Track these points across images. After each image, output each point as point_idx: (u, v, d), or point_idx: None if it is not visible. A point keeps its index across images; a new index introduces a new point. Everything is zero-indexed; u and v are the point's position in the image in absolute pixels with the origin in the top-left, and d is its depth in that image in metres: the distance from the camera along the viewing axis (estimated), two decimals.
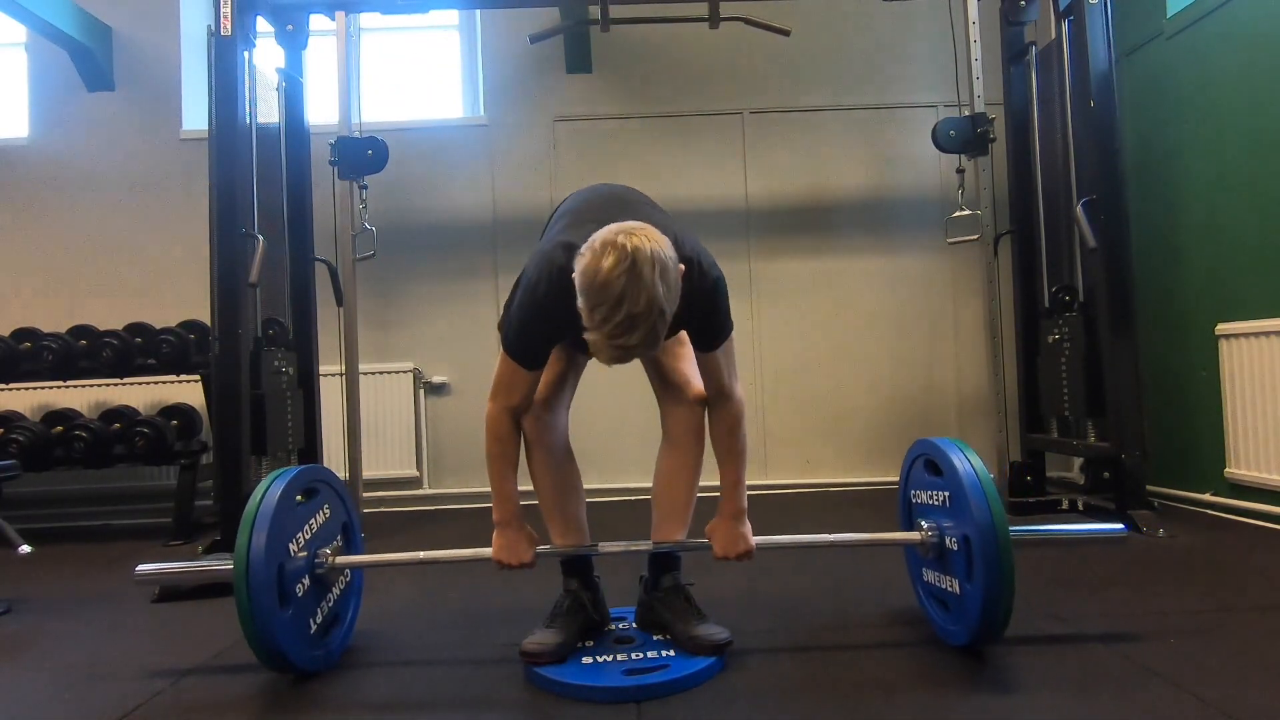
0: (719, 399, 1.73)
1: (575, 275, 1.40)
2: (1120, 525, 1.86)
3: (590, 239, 1.41)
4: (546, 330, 1.61)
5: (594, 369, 1.98)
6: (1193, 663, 1.64)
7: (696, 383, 1.77)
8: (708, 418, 1.78)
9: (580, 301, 1.39)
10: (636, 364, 1.93)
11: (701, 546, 1.81)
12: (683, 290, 1.44)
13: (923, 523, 1.81)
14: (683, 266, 1.44)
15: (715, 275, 1.61)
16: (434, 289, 4.18)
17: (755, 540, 1.78)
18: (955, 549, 1.68)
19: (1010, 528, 1.60)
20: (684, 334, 1.73)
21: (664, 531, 1.86)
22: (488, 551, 1.77)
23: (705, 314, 1.61)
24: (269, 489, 1.72)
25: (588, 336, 1.40)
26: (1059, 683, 1.56)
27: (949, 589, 1.74)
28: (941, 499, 1.74)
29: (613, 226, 1.41)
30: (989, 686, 1.56)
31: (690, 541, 1.85)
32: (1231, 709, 1.41)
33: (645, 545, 1.85)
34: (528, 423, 1.78)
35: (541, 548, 1.80)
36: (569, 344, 1.78)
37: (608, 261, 1.34)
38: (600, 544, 1.85)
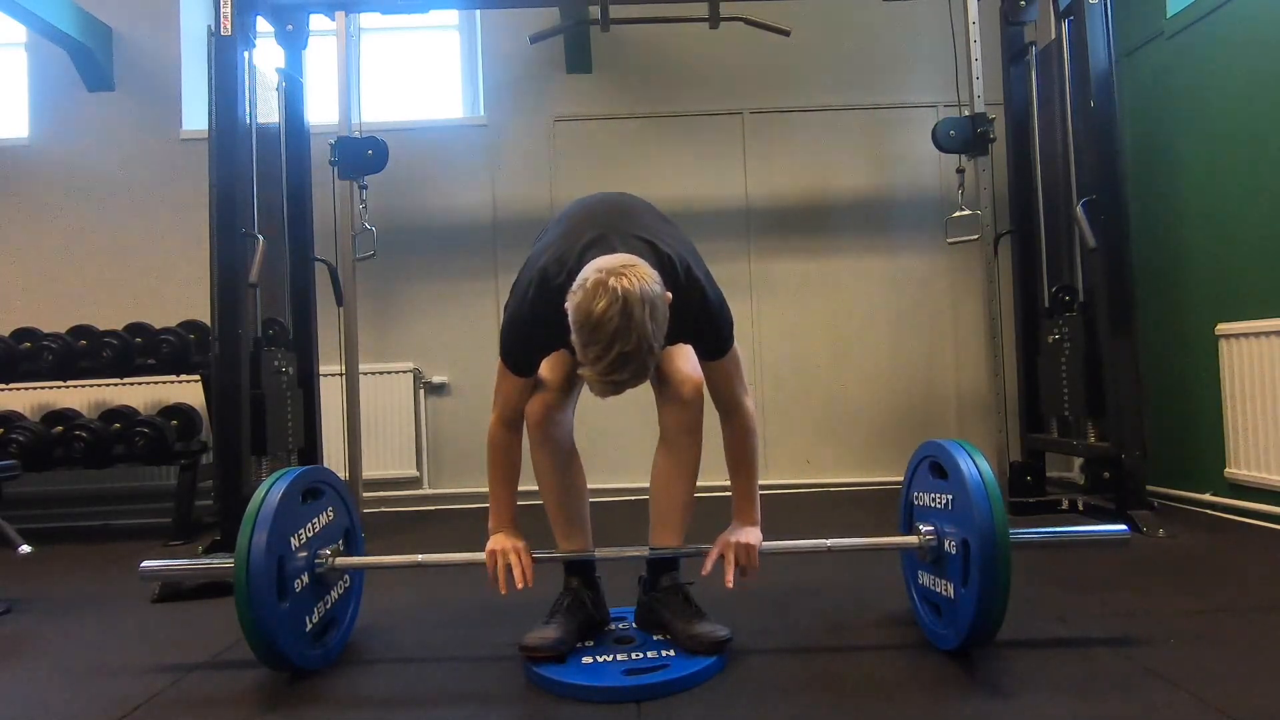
0: (728, 411, 1.76)
1: (569, 310, 1.44)
2: (1123, 527, 1.84)
3: (582, 275, 1.45)
4: (536, 339, 1.66)
5: None
6: (1193, 663, 1.64)
7: (694, 378, 1.77)
8: (721, 430, 1.79)
9: (573, 337, 1.44)
10: None
11: (699, 552, 1.81)
12: (673, 310, 1.50)
13: (921, 526, 1.81)
14: (669, 295, 1.48)
15: (703, 290, 1.64)
16: (434, 289, 4.18)
17: (760, 545, 1.78)
18: (954, 553, 1.67)
19: (1011, 530, 1.59)
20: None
21: (661, 533, 1.86)
22: (484, 557, 1.78)
23: (697, 327, 1.65)
24: (274, 484, 1.73)
25: (581, 372, 1.47)
26: (1059, 683, 1.56)
27: (943, 593, 1.73)
28: (944, 502, 1.73)
29: (603, 264, 1.45)
30: (990, 687, 1.56)
31: (688, 547, 1.85)
32: (1231, 709, 1.41)
33: (642, 550, 1.86)
34: (534, 421, 1.78)
35: (538, 553, 1.80)
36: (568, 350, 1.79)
37: (600, 305, 1.39)
38: (598, 549, 1.86)
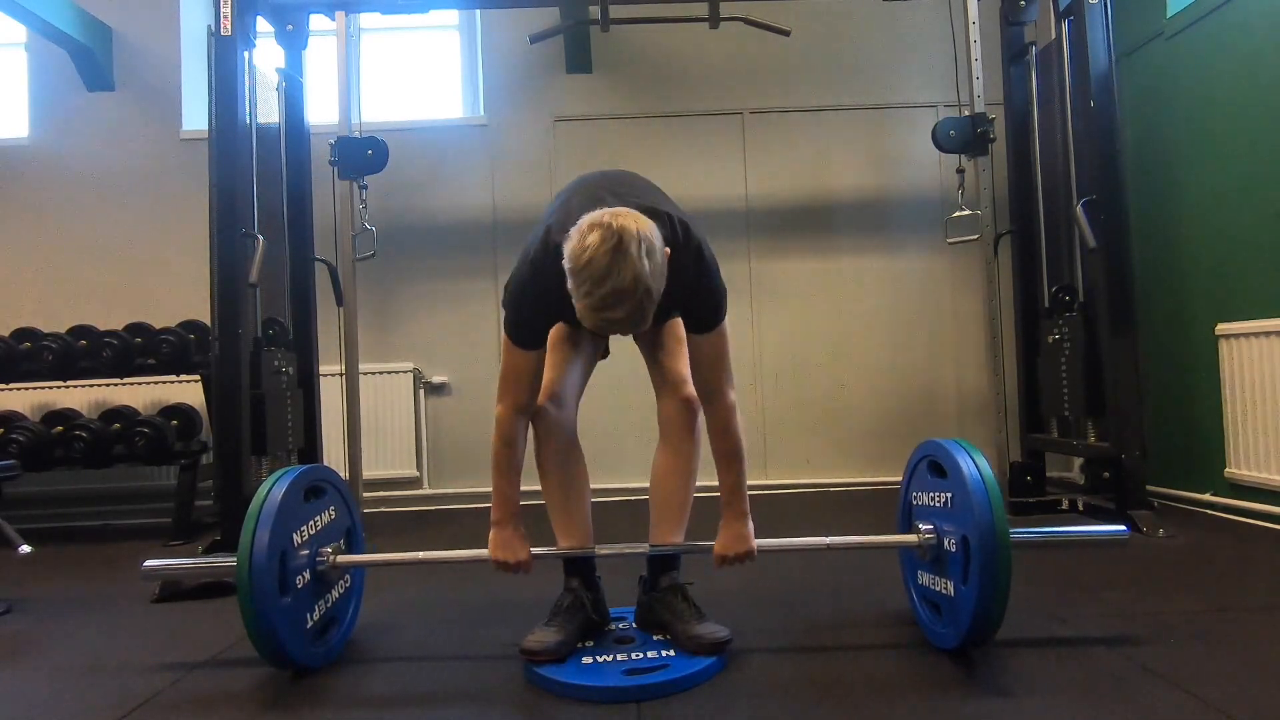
0: (709, 400, 1.73)
1: (564, 257, 1.42)
2: (1122, 527, 1.85)
3: (578, 223, 1.44)
4: (541, 303, 1.62)
5: (600, 369, 1.99)
6: (1192, 663, 1.64)
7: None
8: (705, 421, 1.78)
9: (569, 282, 1.42)
10: (638, 365, 1.95)
11: (699, 549, 1.81)
12: (670, 266, 1.48)
13: (920, 525, 1.81)
14: (668, 250, 1.47)
15: (699, 250, 1.62)
16: (434, 289, 4.18)
17: (755, 543, 1.78)
18: (953, 550, 1.67)
19: (1011, 530, 1.60)
20: (682, 332, 1.74)
21: (661, 531, 1.86)
22: (486, 552, 1.78)
23: (692, 287, 1.62)
24: (278, 481, 1.74)
25: (576, 304, 1.43)
26: (1059, 683, 1.56)
27: (943, 591, 1.73)
28: (943, 500, 1.73)
29: (599, 210, 1.44)
30: (990, 688, 1.56)
31: (688, 544, 1.85)
32: (1231, 709, 1.41)
33: (642, 548, 1.86)
34: (536, 414, 1.78)
35: (538, 550, 1.80)
36: (571, 330, 1.78)
37: (593, 238, 1.38)
38: (598, 546, 1.85)
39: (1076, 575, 2.30)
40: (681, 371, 1.80)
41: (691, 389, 1.78)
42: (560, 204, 1.68)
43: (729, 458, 1.76)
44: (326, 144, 3.44)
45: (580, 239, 1.40)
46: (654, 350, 1.86)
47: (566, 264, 1.41)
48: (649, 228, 1.43)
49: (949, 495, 1.71)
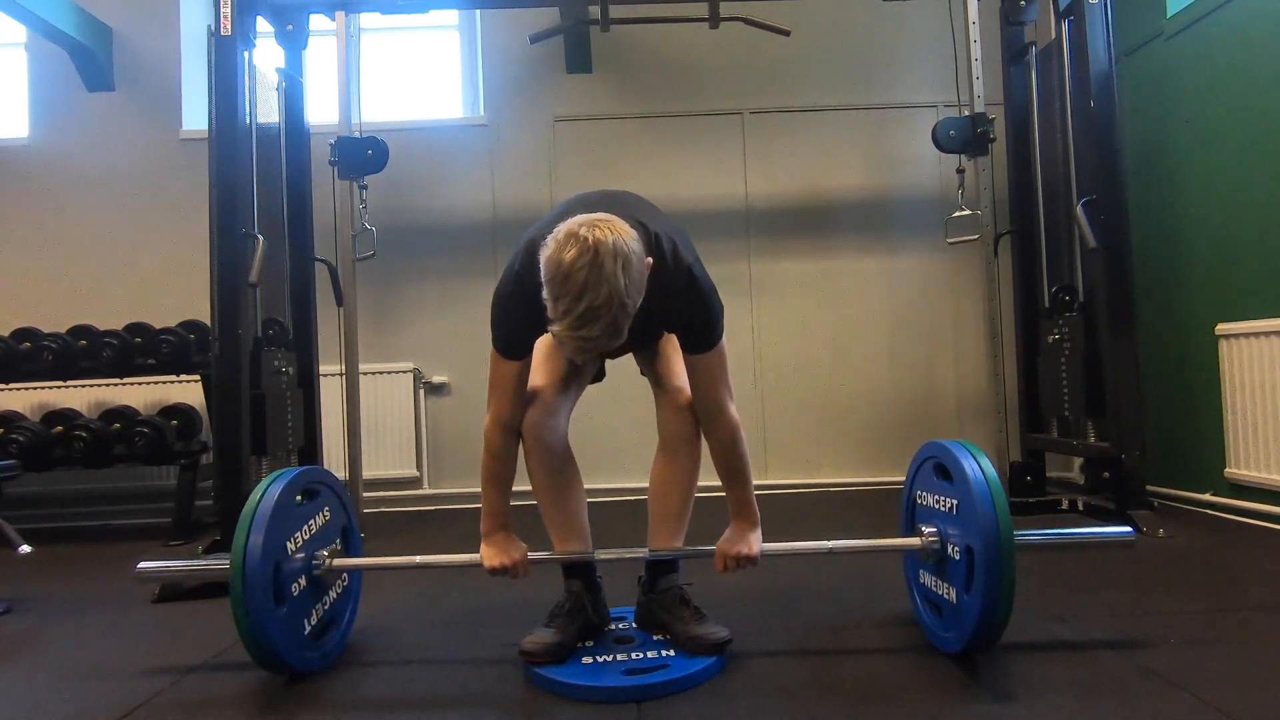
0: (711, 418, 1.71)
1: (541, 264, 1.40)
2: (1128, 529, 1.83)
3: (555, 230, 1.42)
4: (527, 313, 1.58)
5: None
6: (1193, 663, 1.64)
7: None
8: (704, 437, 1.76)
9: (544, 292, 1.40)
10: (638, 368, 1.94)
11: (698, 554, 1.81)
12: (656, 284, 1.46)
13: (924, 528, 1.79)
14: (650, 260, 1.45)
15: (690, 271, 1.59)
16: (434, 289, 4.18)
17: (759, 548, 1.77)
18: (957, 558, 1.66)
19: (1016, 532, 1.58)
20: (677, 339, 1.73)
21: (660, 537, 1.85)
22: (481, 557, 1.77)
23: (683, 309, 1.61)
24: (269, 488, 1.72)
25: (552, 329, 1.41)
26: (1059, 684, 1.56)
27: (945, 595, 1.73)
28: (949, 505, 1.72)
29: (578, 218, 1.42)
30: (990, 689, 1.56)
31: (687, 549, 1.84)
32: (1231, 709, 1.41)
33: (641, 552, 1.85)
34: (527, 426, 1.77)
35: (537, 554, 1.79)
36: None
37: (570, 253, 1.35)
38: (597, 550, 1.84)
39: (1077, 575, 2.30)
40: (679, 378, 1.78)
41: (689, 396, 1.75)
42: (553, 219, 1.62)
43: (735, 474, 1.75)
44: (326, 144, 3.44)
45: (557, 250, 1.37)
46: (650, 358, 1.85)
47: (543, 275, 1.39)
48: (627, 237, 1.39)
49: (955, 501, 1.69)
